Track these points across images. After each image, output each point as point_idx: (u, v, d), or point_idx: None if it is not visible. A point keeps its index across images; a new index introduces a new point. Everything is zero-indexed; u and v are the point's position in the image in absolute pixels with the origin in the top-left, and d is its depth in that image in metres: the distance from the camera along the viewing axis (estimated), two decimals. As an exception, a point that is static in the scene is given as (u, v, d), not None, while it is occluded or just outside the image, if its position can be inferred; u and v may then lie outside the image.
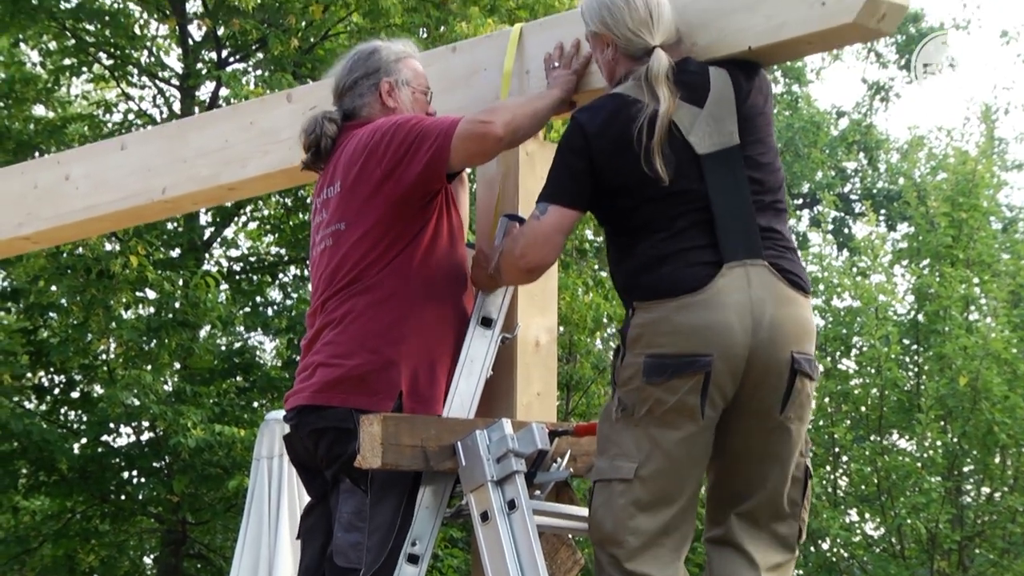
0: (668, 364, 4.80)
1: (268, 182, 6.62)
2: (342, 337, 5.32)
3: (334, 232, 5.43)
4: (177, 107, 18.04)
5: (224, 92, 17.30)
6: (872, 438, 16.88)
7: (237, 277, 18.45)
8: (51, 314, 17.52)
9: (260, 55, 17.70)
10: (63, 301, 16.99)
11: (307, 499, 5.63)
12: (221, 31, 17.39)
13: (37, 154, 16.50)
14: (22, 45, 18.31)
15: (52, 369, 17.68)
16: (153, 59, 18.68)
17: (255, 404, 17.45)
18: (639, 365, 4.84)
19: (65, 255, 16.30)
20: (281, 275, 18.64)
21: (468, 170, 5.92)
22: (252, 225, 19.41)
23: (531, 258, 5.20)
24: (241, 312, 17.72)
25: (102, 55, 18.21)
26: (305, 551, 5.53)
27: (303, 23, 16.59)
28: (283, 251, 18.77)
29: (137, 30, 18.33)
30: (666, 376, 4.81)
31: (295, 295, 18.49)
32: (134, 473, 17.38)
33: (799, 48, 5.31)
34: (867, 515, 17.24)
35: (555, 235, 5.15)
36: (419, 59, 5.74)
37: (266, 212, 18.38)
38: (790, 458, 5.04)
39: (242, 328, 18.24)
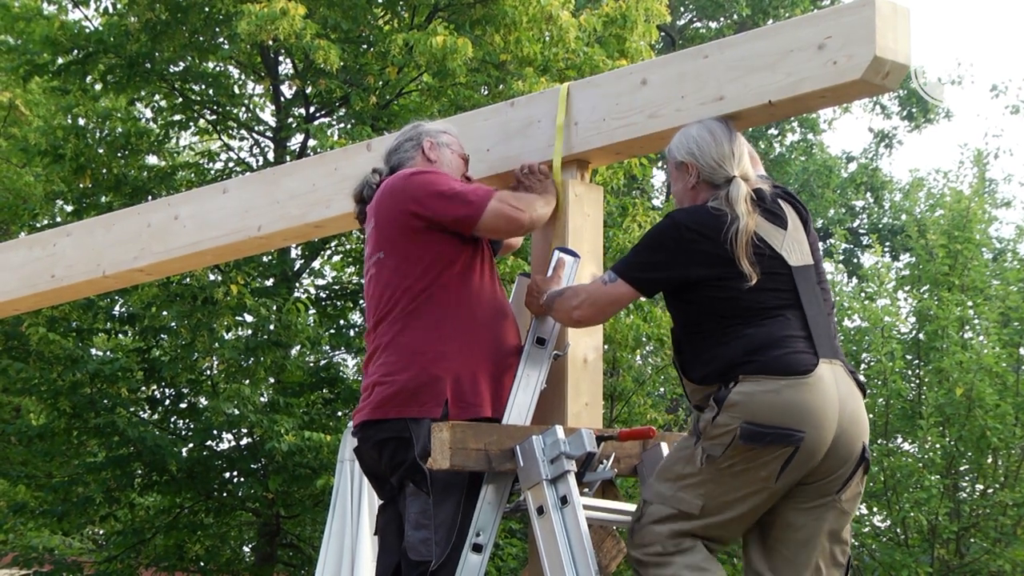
0: (766, 432, 4.80)
1: (349, 221, 6.64)
2: (392, 358, 5.36)
3: (376, 261, 5.50)
4: (271, 156, 18.08)
5: (312, 143, 17.35)
6: (879, 441, 16.77)
7: (323, 303, 18.46)
8: (162, 336, 17.56)
9: (343, 110, 17.71)
10: (173, 324, 17.02)
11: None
12: (309, 90, 17.45)
13: (150, 197, 16.58)
14: (137, 104, 18.41)
15: (163, 384, 17.71)
16: (250, 115, 18.73)
17: (339, 413, 17.46)
18: (735, 428, 4.81)
19: (174, 284, 16.35)
20: (361, 301, 18.64)
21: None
22: (336, 258, 19.43)
23: (582, 315, 5.30)
24: (327, 333, 17.72)
25: (206, 112, 18.28)
26: (382, 545, 5.56)
27: (380, 83, 16.61)
28: (363, 280, 18.73)
29: (236, 90, 18.41)
30: (762, 443, 4.81)
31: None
32: (234, 473, 17.41)
33: (814, 102, 5.33)
34: (875, 509, 17.12)
35: (611, 306, 5.25)
36: (458, 137, 5.82)
37: (348, 246, 18.40)
38: (837, 535, 5.04)
39: (328, 347, 18.24)
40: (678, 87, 5.49)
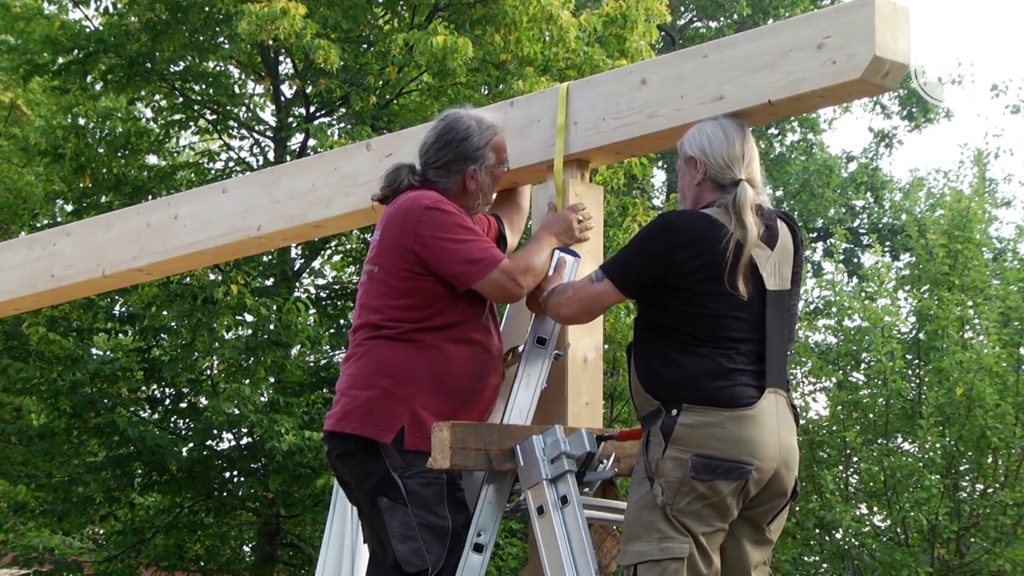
0: (716, 465, 4.77)
1: (349, 220, 6.64)
2: (362, 371, 5.36)
3: (369, 271, 5.48)
4: (271, 155, 18.09)
5: (312, 143, 17.36)
6: (879, 441, 16.77)
7: (323, 303, 18.47)
8: (162, 336, 17.57)
9: (343, 110, 17.72)
10: (173, 324, 17.04)
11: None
12: (309, 90, 17.46)
13: (150, 197, 16.60)
14: (137, 103, 18.42)
15: (163, 383, 17.72)
16: (250, 114, 18.75)
17: (339, 413, 17.44)
18: (686, 461, 4.78)
19: (174, 284, 16.36)
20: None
21: (527, 202, 5.95)
22: (336, 257, 19.44)
23: (569, 312, 5.27)
24: (327, 333, 17.73)
25: (206, 111, 18.30)
26: (371, 554, 5.56)
27: (380, 82, 16.61)
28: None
29: (236, 89, 18.42)
30: (713, 475, 4.77)
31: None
32: (235, 473, 17.43)
33: (813, 102, 5.32)
34: (875, 508, 17.12)
35: (595, 304, 5.19)
36: (502, 129, 5.66)
37: (349, 246, 18.42)
38: (765, 562, 5.04)
39: (328, 347, 18.25)
40: (678, 87, 5.48)
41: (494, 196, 5.78)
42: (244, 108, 18.61)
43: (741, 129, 5.15)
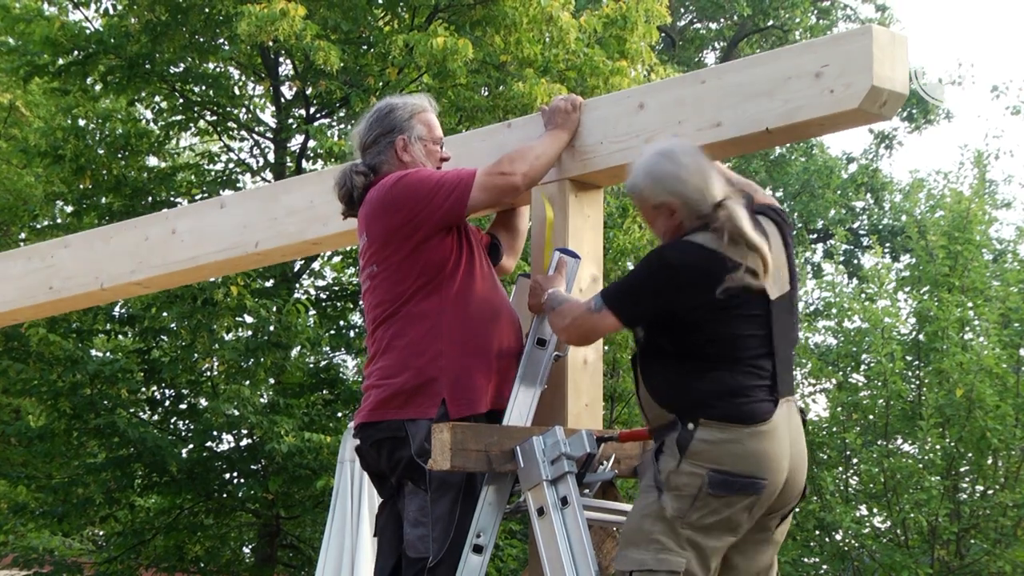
0: (733, 481, 4.78)
1: (346, 238, 6.72)
2: (388, 361, 5.46)
3: (370, 274, 5.58)
4: (271, 157, 18.16)
5: (312, 144, 17.45)
6: (879, 442, 16.84)
7: (323, 304, 18.51)
8: (162, 337, 17.64)
9: (343, 111, 17.79)
10: (173, 326, 17.10)
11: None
12: (309, 91, 17.54)
13: (150, 199, 16.70)
14: (137, 105, 18.48)
15: (163, 385, 17.78)
16: (250, 116, 18.78)
17: (339, 414, 17.51)
18: (703, 477, 4.78)
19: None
20: (361, 302, 18.65)
21: (525, 224, 6.02)
22: (336, 259, 19.50)
23: (568, 338, 5.33)
24: (327, 334, 17.78)
25: (206, 113, 18.34)
26: (380, 546, 5.65)
27: (380, 84, 16.67)
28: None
29: (236, 91, 18.47)
30: (730, 491, 4.78)
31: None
32: (234, 474, 17.48)
33: (811, 129, 5.37)
34: (875, 510, 17.19)
35: (594, 333, 5.25)
36: (433, 110, 5.82)
37: (348, 248, 18.46)
38: (771, 567, 5.09)
39: (328, 348, 18.30)
40: (676, 112, 5.52)
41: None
42: (244, 109, 18.64)
43: (687, 148, 5.08)
